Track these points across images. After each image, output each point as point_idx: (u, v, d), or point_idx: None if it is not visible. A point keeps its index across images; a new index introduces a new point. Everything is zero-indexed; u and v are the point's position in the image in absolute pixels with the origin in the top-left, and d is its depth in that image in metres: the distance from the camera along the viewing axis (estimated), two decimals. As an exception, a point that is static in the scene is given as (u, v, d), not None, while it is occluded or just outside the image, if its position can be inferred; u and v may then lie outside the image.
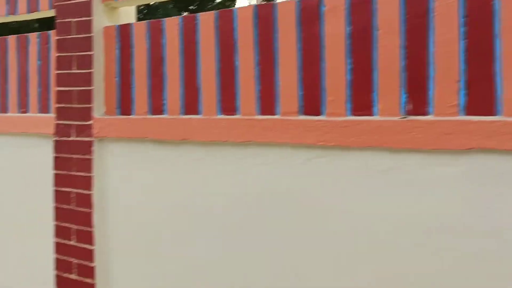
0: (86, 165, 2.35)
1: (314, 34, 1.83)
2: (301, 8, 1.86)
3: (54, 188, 2.45)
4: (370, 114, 1.73)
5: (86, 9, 2.34)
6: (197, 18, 2.10)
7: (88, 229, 2.35)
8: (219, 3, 11.18)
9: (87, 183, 2.34)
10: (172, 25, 2.17)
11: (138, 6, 5.49)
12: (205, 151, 2.05)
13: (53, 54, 2.53)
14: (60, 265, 2.45)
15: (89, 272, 2.35)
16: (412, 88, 1.67)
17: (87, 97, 2.34)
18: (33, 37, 2.64)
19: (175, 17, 2.19)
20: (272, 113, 1.91)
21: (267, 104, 1.93)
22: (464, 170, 1.57)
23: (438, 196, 1.62)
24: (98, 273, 2.33)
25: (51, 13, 2.57)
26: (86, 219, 2.35)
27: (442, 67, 1.62)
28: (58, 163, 2.44)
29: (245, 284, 1.98)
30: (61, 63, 2.42)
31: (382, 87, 1.71)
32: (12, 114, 2.72)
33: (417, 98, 1.66)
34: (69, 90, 2.40)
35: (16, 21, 5.62)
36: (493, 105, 1.55)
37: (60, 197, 2.44)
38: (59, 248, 2.45)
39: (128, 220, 2.30)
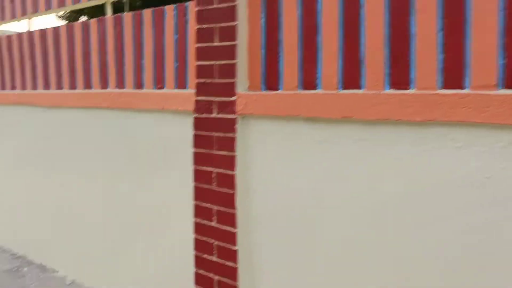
0: (229, 143, 2.22)
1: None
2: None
3: (194, 167, 2.37)
4: None
5: (229, -24, 2.18)
6: (360, -22, 1.84)
7: (230, 210, 2.23)
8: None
9: (229, 162, 2.22)
10: (329, -12, 1.93)
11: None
12: (370, 131, 1.81)
13: (191, 26, 2.42)
14: (200, 246, 2.37)
15: (231, 255, 2.24)
16: None
17: (230, 71, 2.20)
18: (169, 10, 2.54)
19: (331, -21, 1.95)
20: (460, 86, 1.62)
21: (453, 76, 1.63)
22: None
23: None
24: (240, 256, 2.22)
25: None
26: (228, 200, 2.24)
27: None
28: (198, 141, 2.34)
29: (429, 278, 1.75)
30: (202, 35, 2.30)
31: None
32: (148, 90, 2.68)
33: None
34: (210, 65, 2.27)
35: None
36: None
37: (200, 176, 2.35)
38: (199, 229, 2.38)
39: (274, 204, 2.15)
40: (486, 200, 1.56)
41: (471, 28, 1.59)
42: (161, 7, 2.59)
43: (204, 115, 2.31)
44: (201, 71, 2.31)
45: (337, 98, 1.88)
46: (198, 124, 2.34)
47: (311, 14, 1.99)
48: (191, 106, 2.37)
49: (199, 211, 2.37)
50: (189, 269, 2.41)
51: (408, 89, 1.73)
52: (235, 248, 2.22)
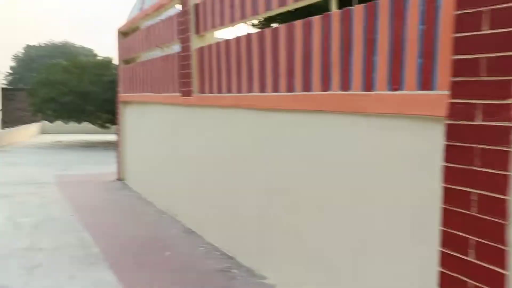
0: (499, 159, 1.72)
1: None
2: None
3: (444, 184, 1.93)
4: None
5: None
6: None
7: (498, 245, 1.73)
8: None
9: (499, 183, 1.72)
10: None
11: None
12: None
13: (445, 13, 1.99)
14: (447, 282, 1.93)
15: (496, 302, 1.74)
16: None
17: (504, 66, 1.70)
18: (413, -4, 2.15)
19: None
20: None
21: None
22: None
23: None
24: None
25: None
26: (495, 232, 1.74)
27: None
28: (452, 153, 1.90)
29: None
30: (464, 22, 1.84)
31: None
32: (380, 91, 2.33)
33: None
34: (474, 59, 1.80)
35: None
36: None
37: (452, 197, 1.90)
38: (446, 261, 1.93)
39: None
40: None
41: None
42: (402, -6, 2.22)
43: (462, 122, 1.85)
44: (460, 68, 1.86)
45: None
46: (453, 132, 1.89)
47: None
48: (441, 111, 1.94)
49: (448, 240, 1.92)
50: (431, 308, 1.99)
51: None
52: (502, 294, 1.72)
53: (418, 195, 2.11)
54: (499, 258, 1.73)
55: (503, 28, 1.70)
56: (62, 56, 31.28)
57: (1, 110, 21.64)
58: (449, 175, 1.91)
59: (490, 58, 1.75)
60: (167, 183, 5.35)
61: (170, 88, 5.10)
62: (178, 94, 4.83)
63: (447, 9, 1.98)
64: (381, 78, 2.32)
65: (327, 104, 2.65)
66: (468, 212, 1.83)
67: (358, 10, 2.45)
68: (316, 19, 2.76)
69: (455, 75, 1.88)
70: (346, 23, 2.53)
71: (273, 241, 3.23)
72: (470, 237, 1.83)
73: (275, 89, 3.17)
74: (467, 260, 1.84)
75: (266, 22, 13.52)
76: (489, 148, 1.76)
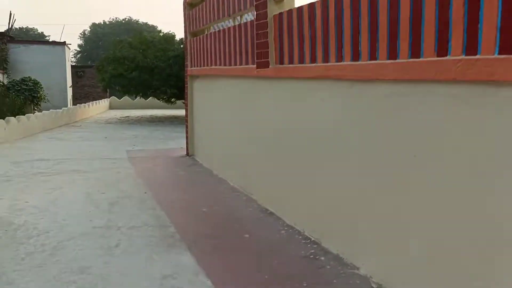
0: None
1: None
2: None
3: None
4: None
5: None
6: None
7: None
8: None
9: None
10: None
11: None
12: None
13: None
14: None
15: None
16: None
17: None
18: None
19: None
20: None
21: None
22: None
23: None
24: None
25: None
26: None
27: None
28: None
29: None
30: None
31: None
32: (524, 54, 1.87)
33: None
34: None
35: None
36: None
37: None
38: None
39: None
40: None
41: None
42: None
43: None
44: None
45: None
46: None
47: None
48: None
49: None
50: None
51: None
52: None
53: None
54: None
55: None
56: (126, 33, 31.98)
57: (71, 87, 22.54)
58: None
59: None
60: (241, 161, 5.11)
61: (243, 60, 4.80)
62: (252, 66, 4.52)
63: None
64: (526, 37, 1.86)
65: (444, 72, 2.21)
66: None
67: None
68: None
69: None
70: (474, -29, 2.06)
71: (368, 227, 2.89)
72: None
73: (373, 56, 2.76)
74: None
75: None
76: None
